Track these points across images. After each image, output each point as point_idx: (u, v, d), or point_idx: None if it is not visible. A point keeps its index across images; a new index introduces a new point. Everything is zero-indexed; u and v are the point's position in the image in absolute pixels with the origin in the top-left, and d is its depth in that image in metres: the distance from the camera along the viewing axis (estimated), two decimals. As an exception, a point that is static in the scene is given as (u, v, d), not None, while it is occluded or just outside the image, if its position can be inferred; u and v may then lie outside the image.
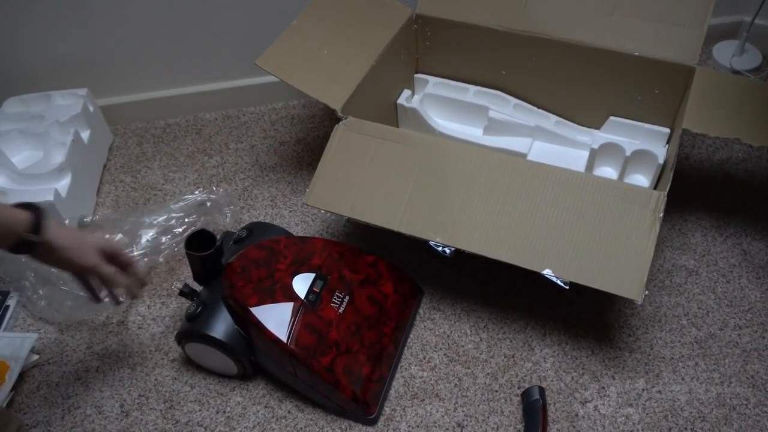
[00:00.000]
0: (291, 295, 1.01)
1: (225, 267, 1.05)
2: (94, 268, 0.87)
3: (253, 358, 1.04)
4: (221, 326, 1.01)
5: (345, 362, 1.00)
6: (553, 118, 1.36)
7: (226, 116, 1.60)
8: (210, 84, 1.57)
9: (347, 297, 1.05)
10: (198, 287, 1.08)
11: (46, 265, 0.84)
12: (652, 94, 1.24)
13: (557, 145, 1.35)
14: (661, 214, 0.95)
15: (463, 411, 1.06)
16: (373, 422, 1.04)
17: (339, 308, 1.03)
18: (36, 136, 1.35)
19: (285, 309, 0.99)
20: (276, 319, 0.98)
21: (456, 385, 1.09)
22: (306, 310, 1.00)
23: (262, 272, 1.03)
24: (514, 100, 1.36)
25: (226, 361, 1.05)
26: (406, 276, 1.17)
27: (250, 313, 0.98)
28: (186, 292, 1.07)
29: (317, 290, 1.03)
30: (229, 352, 1.02)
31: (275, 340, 0.97)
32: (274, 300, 1.00)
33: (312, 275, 1.04)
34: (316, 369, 0.98)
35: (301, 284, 1.03)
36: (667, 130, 1.27)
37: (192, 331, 1.02)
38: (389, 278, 1.12)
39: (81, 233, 0.88)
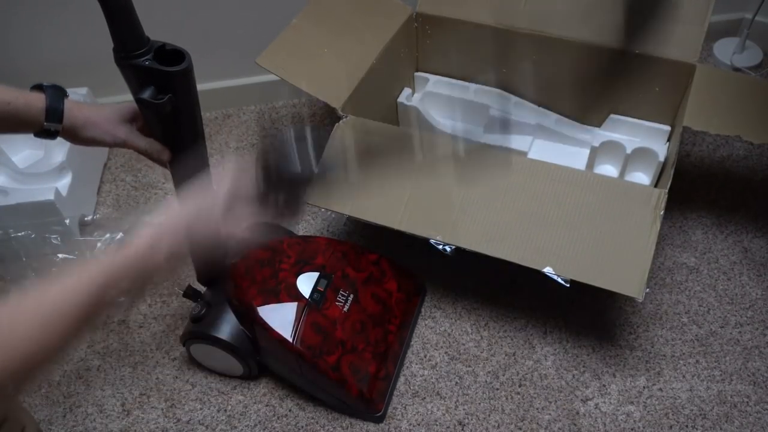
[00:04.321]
0: (296, 295, 1.01)
1: (229, 268, 1.05)
2: (125, 143, 0.78)
3: (258, 359, 1.04)
4: (226, 327, 1.01)
5: (351, 361, 1.00)
6: (554, 116, 1.36)
7: (226, 115, 1.60)
8: (210, 83, 1.57)
9: (351, 295, 1.05)
10: (202, 288, 1.08)
11: (77, 145, 0.78)
12: (653, 92, 1.24)
13: (558, 143, 1.35)
14: (662, 212, 0.95)
15: (464, 409, 1.06)
16: (380, 420, 1.04)
17: (344, 307, 1.03)
18: (36, 135, 1.35)
19: (290, 309, 1.00)
20: (281, 318, 0.98)
21: (457, 383, 1.09)
22: (311, 309, 1.00)
23: (266, 272, 1.03)
24: (514, 98, 1.36)
25: (232, 361, 1.05)
26: (410, 273, 1.17)
27: (256, 313, 0.98)
28: (190, 294, 1.07)
29: (321, 289, 1.03)
30: (235, 353, 1.02)
31: (281, 340, 0.97)
32: (278, 300, 1.00)
33: (316, 274, 1.04)
34: (323, 368, 0.98)
35: (306, 284, 1.03)
36: (668, 128, 1.27)
37: (197, 332, 1.03)
38: (393, 276, 1.12)
39: (101, 108, 0.77)
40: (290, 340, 0.97)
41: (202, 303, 1.04)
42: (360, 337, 1.03)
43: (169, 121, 0.74)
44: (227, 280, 1.04)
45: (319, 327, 1.00)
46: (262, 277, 1.03)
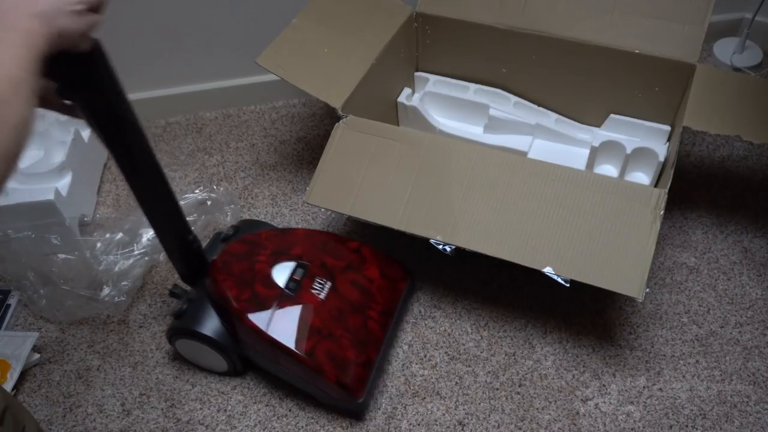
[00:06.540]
0: (270, 285, 1.03)
1: (210, 265, 1.06)
2: None
3: (240, 352, 1.05)
4: (206, 322, 1.03)
5: (327, 348, 1.00)
6: (554, 115, 1.36)
7: (226, 115, 1.60)
8: (210, 82, 1.57)
9: (329, 283, 1.05)
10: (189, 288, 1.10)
11: None
12: (653, 92, 1.24)
13: (558, 143, 1.35)
14: (662, 212, 0.95)
15: (464, 409, 1.06)
16: (362, 407, 1.04)
17: (320, 294, 1.04)
18: (37, 134, 1.35)
19: (264, 298, 1.01)
20: (255, 308, 1.00)
21: (457, 383, 1.09)
22: (285, 298, 1.01)
23: (242, 265, 1.05)
24: (514, 98, 1.36)
25: (215, 356, 1.06)
26: (393, 260, 1.16)
27: (230, 304, 1.00)
28: (176, 293, 1.09)
29: (298, 278, 1.04)
30: (216, 347, 1.04)
31: (255, 329, 0.98)
32: (253, 291, 1.02)
33: (292, 264, 1.05)
34: (298, 354, 0.98)
35: (281, 273, 1.04)
36: (668, 128, 1.27)
37: (178, 327, 1.05)
38: (374, 263, 1.12)
39: None
40: (263, 328, 0.98)
41: (184, 299, 1.06)
42: (337, 324, 1.02)
43: (93, 111, 0.73)
44: (208, 276, 1.05)
45: (293, 314, 1.00)
46: (239, 269, 1.04)
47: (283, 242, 1.10)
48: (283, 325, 0.99)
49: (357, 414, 1.05)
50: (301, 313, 1.01)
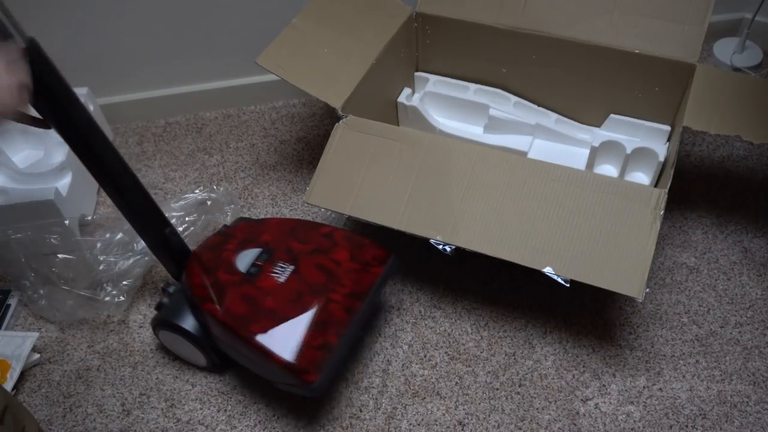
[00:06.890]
0: (232, 271, 1.04)
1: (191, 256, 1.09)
2: None
3: (212, 344, 1.06)
4: (181, 313, 1.05)
5: (279, 330, 0.99)
6: (554, 116, 1.36)
7: (226, 115, 1.60)
8: (210, 82, 1.57)
9: (291, 267, 1.05)
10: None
11: None
12: (653, 92, 1.24)
13: (558, 143, 1.35)
14: (662, 212, 0.95)
15: (464, 409, 1.06)
16: (317, 391, 0.98)
17: (279, 278, 1.04)
18: (36, 135, 1.35)
19: (224, 284, 1.02)
20: (215, 294, 1.01)
21: (457, 383, 1.09)
22: (244, 282, 1.03)
23: (211, 255, 1.07)
24: (514, 98, 1.36)
25: (191, 348, 1.07)
26: (371, 244, 1.12)
27: (193, 292, 1.02)
28: (165, 289, 1.11)
29: (260, 263, 1.05)
30: (188, 337, 1.05)
31: (211, 312, 1.00)
32: (215, 278, 1.03)
33: (258, 250, 1.07)
34: (247, 336, 0.98)
35: (244, 260, 1.06)
36: (668, 128, 1.27)
37: (156, 319, 1.08)
38: (345, 246, 1.10)
39: None
40: (218, 311, 0.99)
41: (166, 293, 1.08)
42: (294, 306, 1.01)
43: (42, 107, 0.77)
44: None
45: (249, 298, 1.01)
46: (207, 259, 1.06)
47: (254, 231, 1.11)
48: (237, 308, 1.00)
49: (315, 400, 1.05)
50: (257, 296, 1.01)
